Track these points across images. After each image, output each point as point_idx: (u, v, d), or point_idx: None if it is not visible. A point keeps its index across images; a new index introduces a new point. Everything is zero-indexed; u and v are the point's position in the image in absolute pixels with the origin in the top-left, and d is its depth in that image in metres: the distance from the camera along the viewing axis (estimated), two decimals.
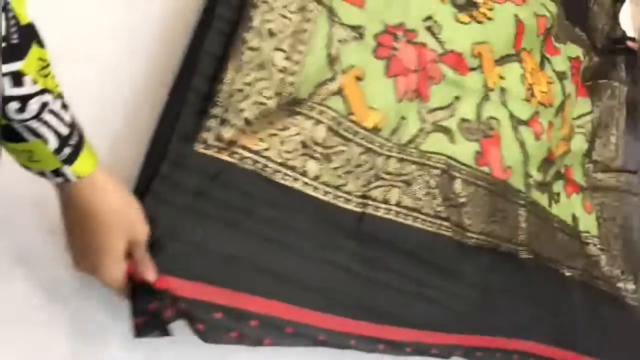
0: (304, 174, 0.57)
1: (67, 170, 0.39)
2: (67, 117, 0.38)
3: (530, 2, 0.89)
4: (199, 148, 0.51)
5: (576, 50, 1.02)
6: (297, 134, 0.57)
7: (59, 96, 0.37)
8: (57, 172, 0.39)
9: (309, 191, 0.58)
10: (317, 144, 0.59)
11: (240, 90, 0.54)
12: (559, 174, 0.92)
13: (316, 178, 0.58)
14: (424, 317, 0.65)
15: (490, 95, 0.77)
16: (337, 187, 0.60)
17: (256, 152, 0.54)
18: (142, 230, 0.44)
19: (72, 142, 0.38)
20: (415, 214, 0.65)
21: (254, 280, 0.52)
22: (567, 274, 0.85)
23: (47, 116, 0.36)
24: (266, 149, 0.54)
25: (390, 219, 0.63)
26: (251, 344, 0.52)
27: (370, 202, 0.61)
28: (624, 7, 1.24)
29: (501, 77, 0.80)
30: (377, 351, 0.60)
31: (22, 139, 0.37)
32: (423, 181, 0.67)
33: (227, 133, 0.53)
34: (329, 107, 0.60)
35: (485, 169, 0.74)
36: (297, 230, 0.56)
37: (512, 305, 0.75)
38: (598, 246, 0.94)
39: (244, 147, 0.53)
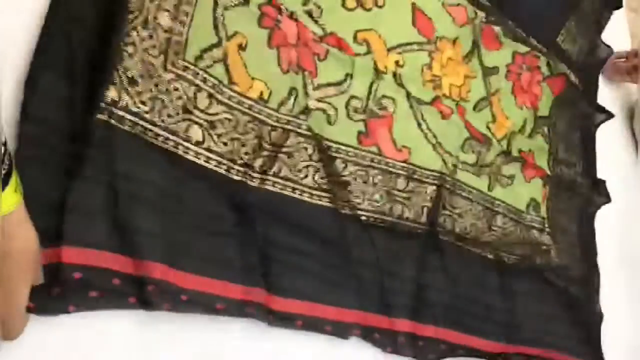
0: (186, 139, 0.59)
1: None
2: None
3: None
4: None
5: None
6: (179, 98, 0.59)
7: None
8: None
9: (191, 157, 0.59)
10: (199, 110, 0.60)
11: (124, 51, 0.55)
12: (510, 156, 0.95)
13: (198, 144, 0.60)
14: (309, 289, 0.66)
15: (383, 76, 0.79)
16: (220, 155, 0.61)
17: (136, 114, 0.55)
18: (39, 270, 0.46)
19: None
20: (293, 185, 0.67)
21: (147, 246, 0.53)
22: (489, 257, 0.87)
23: None
24: (147, 112, 0.56)
25: (267, 189, 0.65)
26: (150, 309, 0.53)
27: (249, 172, 0.63)
28: (620, 15, 1.28)
29: (398, 65, 0.82)
30: (268, 322, 0.62)
31: None
32: (306, 154, 0.69)
33: (111, 92, 0.53)
34: (212, 75, 0.62)
35: (373, 149, 0.76)
36: (181, 196, 0.57)
37: (414, 287, 0.76)
38: (549, 235, 0.98)
39: (125, 109, 0.54)
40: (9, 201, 0.40)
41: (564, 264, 0.98)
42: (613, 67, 1.23)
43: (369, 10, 0.80)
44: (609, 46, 1.22)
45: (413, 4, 0.86)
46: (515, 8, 1.03)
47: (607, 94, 1.21)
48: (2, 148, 0.38)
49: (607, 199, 1.09)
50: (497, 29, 0.99)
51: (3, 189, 0.39)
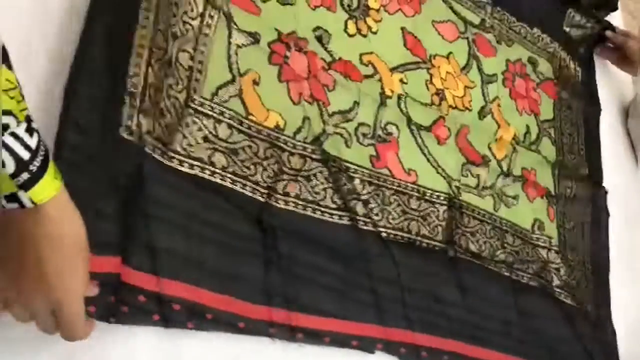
0: (211, 164, 0.65)
1: (23, 195, 0.39)
2: (31, 142, 0.38)
3: (428, 10, 0.97)
4: (124, 134, 0.58)
5: (522, 52, 1.11)
6: (199, 129, 0.65)
7: (25, 120, 0.38)
8: (11, 197, 0.39)
9: (217, 179, 0.65)
10: (220, 139, 0.66)
11: (154, 84, 0.61)
12: (510, 176, 0.99)
13: (224, 168, 0.66)
14: (333, 306, 0.69)
15: (387, 102, 0.85)
16: (245, 177, 0.67)
17: (165, 144, 0.61)
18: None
19: (32, 167, 0.38)
20: (313, 206, 0.72)
21: (173, 266, 0.58)
22: (505, 275, 0.91)
23: (7, 139, 0.37)
24: (171, 142, 0.62)
25: (289, 209, 0.70)
26: (172, 327, 0.57)
27: (273, 194, 0.69)
28: (616, 18, 1.33)
29: (403, 82, 0.89)
30: (296, 340, 0.65)
31: None
32: (322, 177, 0.74)
33: (146, 122, 0.60)
34: (229, 108, 0.68)
35: (385, 170, 0.82)
36: (207, 217, 0.62)
37: (433, 303, 0.80)
38: (558, 254, 1.01)
39: (157, 139, 0.61)
40: (50, 187, 0.40)
41: (574, 282, 1.02)
42: (604, 52, 1.27)
43: (365, 36, 0.88)
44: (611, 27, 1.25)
45: (402, 28, 0.93)
46: (517, 2, 1.12)
47: (604, 96, 1.25)
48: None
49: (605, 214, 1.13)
50: (488, 36, 1.06)
51: (43, 176, 0.39)
